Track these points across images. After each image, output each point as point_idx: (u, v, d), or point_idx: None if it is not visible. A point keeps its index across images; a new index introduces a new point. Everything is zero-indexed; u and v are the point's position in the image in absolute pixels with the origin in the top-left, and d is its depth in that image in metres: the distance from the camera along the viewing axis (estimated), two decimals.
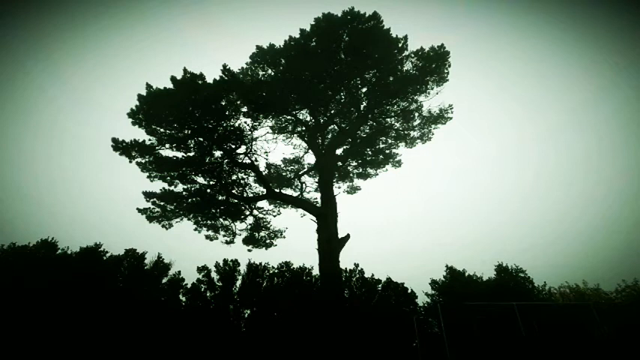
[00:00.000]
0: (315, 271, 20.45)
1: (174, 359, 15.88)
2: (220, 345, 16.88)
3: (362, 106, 18.56)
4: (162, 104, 14.99)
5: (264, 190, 18.12)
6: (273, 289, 19.88)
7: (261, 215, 19.44)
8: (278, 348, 16.61)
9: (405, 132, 19.37)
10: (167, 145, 16.01)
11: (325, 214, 16.28)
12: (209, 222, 18.64)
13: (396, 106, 18.55)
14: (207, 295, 19.68)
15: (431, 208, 77.14)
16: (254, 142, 17.17)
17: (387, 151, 20.21)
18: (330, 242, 15.25)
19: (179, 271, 20.46)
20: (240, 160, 17.22)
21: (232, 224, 19.06)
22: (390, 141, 19.96)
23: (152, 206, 17.20)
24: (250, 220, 19.28)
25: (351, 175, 21.50)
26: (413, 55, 17.02)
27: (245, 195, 18.33)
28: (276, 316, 18.71)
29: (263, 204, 19.76)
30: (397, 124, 19.23)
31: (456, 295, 18.90)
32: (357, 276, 20.73)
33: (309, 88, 16.97)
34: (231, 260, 20.95)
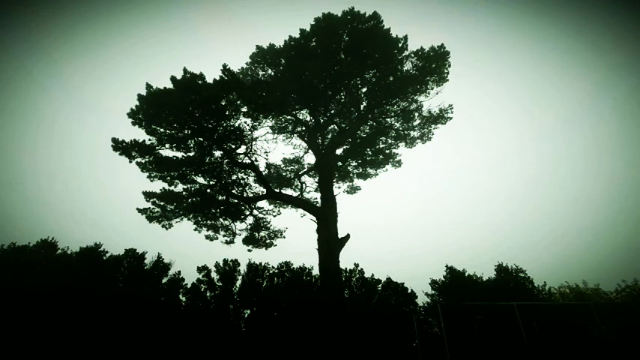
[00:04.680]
0: (315, 271, 20.45)
1: (175, 359, 15.87)
2: (220, 345, 16.87)
3: (362, 106, 18.56)
4: (162, 104, 14.98)
5: (264, 190, 18.11)
6: (273, 289, 19.87)
7: (261, 215, 19.45)
8: (278, 348, 16.60)
9: (405, 132, 19.38)
10: (167, 145, 16.00)
11: (325, 214, 16.27)
12: (209, 222, 18.64)
13: (396, 106, 18.56)
14: (207, 295, 19.67)
15: (431, 208, 77.13)
16: (254, 142, 17.17)
17: (387, 151, 20.22)
18: (330, 242, 15.24)
19: (179, 271, 20.45)
20: (240, 160, 17.21)
21: (232, 224, 19.07)
22: (390, 141, 19.97)
23: (152, 206, 17.20)
24: (250, 220, 19.30)
25: (351, 175, 21.50)
26: (413, 55, 17.03)
27: (245, 195, 18.33)
28: (276, 316, 18.70)
29: (263, 204, 19.79)
30: (397, 124, 19.25)
31: (456, 295, 18.89)
32: (357, 276, 20.72)
33: (309, 88, 16.98)
34: (231, 260, 20.94)
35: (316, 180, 19.87)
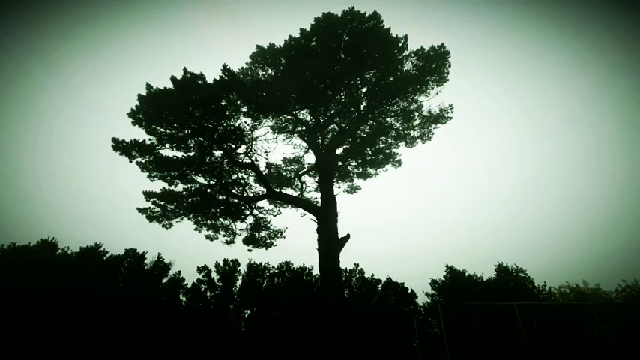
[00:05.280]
0: (315, 271, 20.46)
1: (175, 359, 15.88)
2: (220, 345, 16.88)
3: (362, 105, 18.55)
4: (162, 104, 14.98)
5: (264, 189, 18.11)
6: (273, 289, 19.88)
7: (261, 215, 19.44)
8: (278, 348, 16.61)
9: (405, 132, 19.37)
10: (167, 145, 16.00)
11: (325, 214, 16.27)
12: (209, 222, 18.64)
13: (396, 106, 18.54)
14: (208, 294, 19.68)
15: (431, 208, 77.16)
16: (254, 142, 17.17)
17: (387, 151, 20.21)
18: (330, 242, 15.24)
19: (179, 271, 20.46)
20: (240, 160, 17.21)
21: (232, 224, 19.06)
22: (390, 141, 19.96)
23: (152, 206, 17.20)
24: (250, 219, 19.30)
25: (351, 174, 21.50)
26: (413, 55, 17.01)
27: (245, 195, 18.32)
28: (276, 315, 18.70)
29: (263, 204, 19.78)
30: (397, 124, 19.24)
31: (456, 295, 18.89)
32: (357, 276, 20.73)
33: (309, 88, 16.96)
34: (231, 260, 20.94)
35: (316, 180, 19.87)
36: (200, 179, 17.31)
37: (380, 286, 20.42)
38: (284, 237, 19.97)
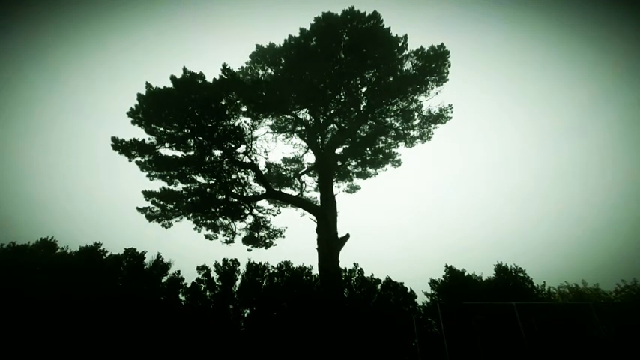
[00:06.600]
0: (315, 271, 20.43)
1: (174, 359, 15.87)
2: (220, 344, 16.88)
3: (362, 105, 18.57)
4: (161, 103, 15.00)
5: (264, 189, 18.12)
6: (272, 289, 19.87)
7: (260, 215, 19.45)
8: (278, 348, 16.61)
9: (405, 131, 19.39)
10: (167, 145, 16.03)
11: (325, 214, 16.30)
12: (209, 221, 18.64)
13: (395, 106, 18.56)
14: (207, 294, 19.67)
15: (431, 208, 77.22)
16: (254, 142, 17.20)
17: (387, 151, 20.24)
18: (329, 242, 15.27)
19: (178, 271, 20.42)
20: (239, 160, 17.22)
21: (232, 224, 19.07)
22: (389, 140, 19.98)
23: (152, 205, 17.21)
24: (250, 219, 19.31)
25: (351, 174, 21.52)
26: (413, 55, 17.04)
27: (245, 194, 18.33)
28: (276, 315, 18.70)
29: (263, 203, 19.80)
30: (397, 124, 19.25)
31: (456, 294, 18.90)
32: (357, 275, 20.72)
33: (309, 88, 16.98)
34: (231, 259, 20.92)
35: (316, 179, 19.89)
36: (199, 179, 17.34)
37: (379, 285, 20.40)
38: (283, 237, 19.99)
